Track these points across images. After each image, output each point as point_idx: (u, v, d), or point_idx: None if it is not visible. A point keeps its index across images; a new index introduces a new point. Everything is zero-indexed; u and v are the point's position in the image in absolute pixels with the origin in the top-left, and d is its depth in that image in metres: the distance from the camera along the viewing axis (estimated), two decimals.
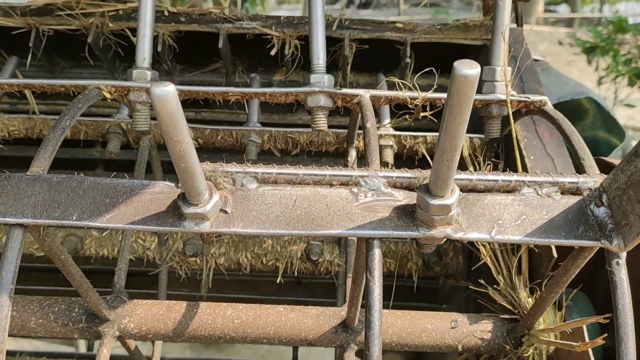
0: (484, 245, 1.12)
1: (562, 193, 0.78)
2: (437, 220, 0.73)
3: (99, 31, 1.41)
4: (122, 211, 0.75)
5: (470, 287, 1.29)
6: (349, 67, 1.48)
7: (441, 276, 1.51)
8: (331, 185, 0.78)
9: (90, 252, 1.49)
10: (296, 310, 1.09)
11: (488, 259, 1.08)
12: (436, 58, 1.55)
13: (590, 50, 5.65)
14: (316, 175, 0.78)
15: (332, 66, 1.46)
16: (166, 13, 1.46)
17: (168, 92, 0.58)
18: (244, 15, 1.47)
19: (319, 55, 1.03)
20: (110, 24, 1.42)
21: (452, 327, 1.08)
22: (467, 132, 0.70)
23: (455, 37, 1.48)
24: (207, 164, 0.77)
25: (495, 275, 1.09)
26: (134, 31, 1.43)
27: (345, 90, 1.00)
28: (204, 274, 1.49)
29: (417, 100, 1.00)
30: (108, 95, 0.99)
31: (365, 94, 0.99)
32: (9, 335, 0.97)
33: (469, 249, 1.47)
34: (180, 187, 0.76)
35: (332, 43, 1.46)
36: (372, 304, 0.72)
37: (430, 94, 1.00)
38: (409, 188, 0.78)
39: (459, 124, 0.62)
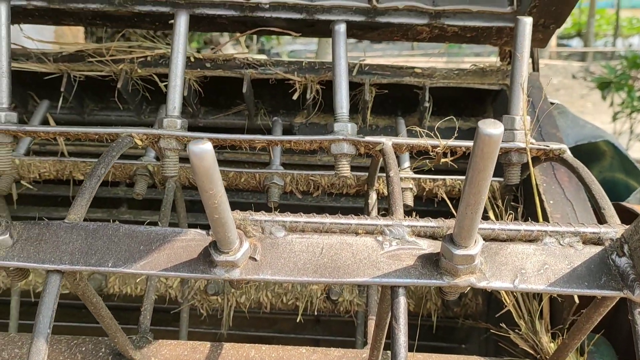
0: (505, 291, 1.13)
1: (584, 243, 0.80)
2: (461, 269, 0.75)
3: (127, 76, 1.46)
4: (155, 258, 0.77)
5: (490, 329, 1.30)
6: (369, 110, 1.52)
7: (460, 317, 1.51)
8: (357, 233, 0.80)
9: (114, 290, 1.52)
10: (318, 352, 1.10)
11: (509, 302, 1.09)
12: (453, 100, 1.58)
13: (604, 86, 5.67)
14: (342, 224, 0.81)
15: (352, 109, 1.49)
16: (192, 59, 1.52)
17: (205, 150, 0.61)
18: (267, 60, 1.52)
19: (343, 104, 1.06)
20: (139, 70, 1.48)
21: None
22: None
23: (473, 81, 1.51)
24: (237, 213, 0.80)
25: (516, 320, 1.10)
26: (161, 76, 1.48)
27: (368, 139, 1.04)
28: (224, 312, 1.51)
29: (438, 148, 1.02)
30: (139, 143, 1.03)
31: (387, 142, 1.03)
32: None
33: (489, 292, 1.48)
34: (211, 234, 0.78)
35: (352, 87, 1.50)
36: (398, 351, 0.73)
37: (451, 142, 1.03)
38: (432, 237, 0.80)
39: (483, 179, 0.65)
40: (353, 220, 0.81)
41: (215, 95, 1.62)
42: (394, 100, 1.58)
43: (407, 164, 1.36)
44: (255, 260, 0.77)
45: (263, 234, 0.80)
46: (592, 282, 0.76)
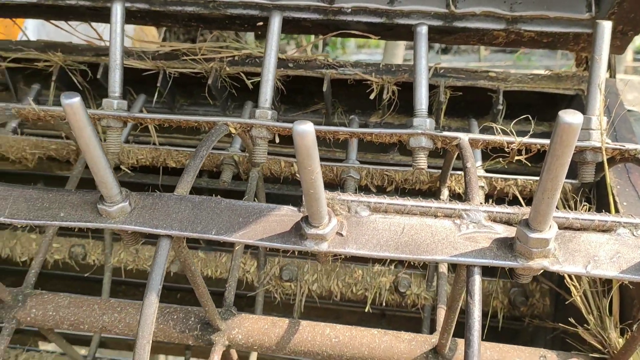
0: (574, 286, 1.16)
1: None
2: (535, 252, 0.80)
3: (217, 74, 1.58)
4: (252, 229, 0.86)
5: (557, 327, 1.32)
6: (443, 112, 1.57)
7: (527, 316, 1.53)
8: (436, 216, 0.87)
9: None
10: (389, 335, 1.16)
11: (578, 298, 1.12)
12: (526, 104, 1.62)
13: None
14: (423, 206, 0.87)
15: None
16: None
17: (307, 129, 0.69)
18: (346, 62, 1.61)
19: (422, 101, 1.13)
20: (227, 68, 1.59)
21: None
22: None
23: (547, 86, 1.54)
24: (327, 193, 0.88)
25: (585, 315, 1.12)
26: (247, 74, 1.59)
27: (445, 133, 1.10)
28: (297, 298, 1.59)
29: (514, 144, 1.07)
30: (233, 131, 1.13)
31: (464, 137, 1.08)
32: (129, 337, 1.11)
33: (556, 291, 1.49)
34: (302, 211, 0.87)
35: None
36: (472, 324, 0.79)
37: (526, 139, 1.07)
38: (508, 222, 0.86)
39: (561, 166, 0.70)
40: (433, 204, 0.87)
41: (295, 94, 1.71)
42: (467, 103, 1.62)
43: (479, 162, 1.41)
44: (342, 235, 0.85)
45: (349, 212, 0.87)
46: None
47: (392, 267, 1.58)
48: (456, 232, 0.84)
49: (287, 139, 1.03)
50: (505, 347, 1.14)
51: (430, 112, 1.62)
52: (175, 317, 1.21)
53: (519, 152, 1.10)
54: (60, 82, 1.64)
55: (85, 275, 1.69)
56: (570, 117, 0.66)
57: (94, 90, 1.73)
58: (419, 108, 1.12)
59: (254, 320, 1.20)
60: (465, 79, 1.56)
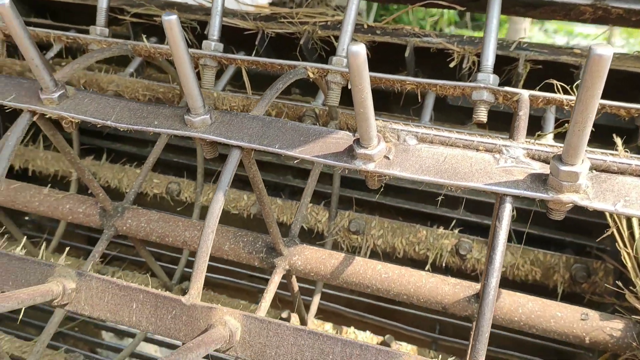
0: (627, 253, 1.17)
1: None
2: (566, 186, 0.85)
3: (309, 36, 1.71)
4: (311, 147, 0.98)
5: (615, 303, 1.33)
6: (521, 84, 1.60)
7: (587, 293, 1.53)
8: (477, 150, 0.94)
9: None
10: (436, 277, 1.23)
11: (628, 261, 1.13)
12: (608, 84, 1.60)
13: None
14: (466, 139, 0.94)
15: (505, 84, 1.60)
16: (365, 26, 1.73)
17: (359, 50, 0.79)
18: (431, 32, 1.68)
19: (489, 57, 1.19)
20: (319, 32, 1.72)
21: (582, 319, 1.15)
22: None
23: (634, 65, 1.53)
24: (380, 121, 0.97)
25: (633, 279, 1.13)
26: (337, 38, 1.71)
27: (506, 88, 1.15)
28: (362, 251, 1.69)
29: (573, 102, 1.10)
30: (311, 75, 1.25)
31: (525, 93, 1.13)
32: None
33: (620, 271, 1.48)
34: (355, 135, 0.97)
35: (508, 62, 1.60)
36: (496, 244, 0.86)
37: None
38: (545, 161, 0.91)
39: (591, 97, 0.75)
40: (476, 138, 0.94)
41: (380, 63, 1.81)
42: (546, 78, 1.64)
43: (550, 129, 1.43)
44: (389, 159, 0.94)
45: (398, 140, 0.97)
46: None
47: (456, 231, 1.64)
48: (494, 164, 0.91)
49: None
50: (547, 302, 1.18)
51: (509, 85, 1.66)
52: (245, 239, 1.35)
53: None
54: None
55: (178, 209, 1.89)
56: (601, 49, 0.71)
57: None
58: (485, 64, 1.18)
59: (314, 250, 1.32)
60: (548, 54, 1.58)
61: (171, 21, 0.89)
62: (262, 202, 1.17)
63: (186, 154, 2.06)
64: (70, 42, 1.42)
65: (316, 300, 1.67)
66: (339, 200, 1.76)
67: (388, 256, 1.72)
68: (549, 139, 1.40)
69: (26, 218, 2.29)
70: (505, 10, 1.59)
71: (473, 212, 1.79)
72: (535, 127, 1.44)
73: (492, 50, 1.19)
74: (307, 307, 1.59)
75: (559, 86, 1.13)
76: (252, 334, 0.90)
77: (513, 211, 0.94)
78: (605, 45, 0.72)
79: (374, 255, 1.71)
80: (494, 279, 0.84)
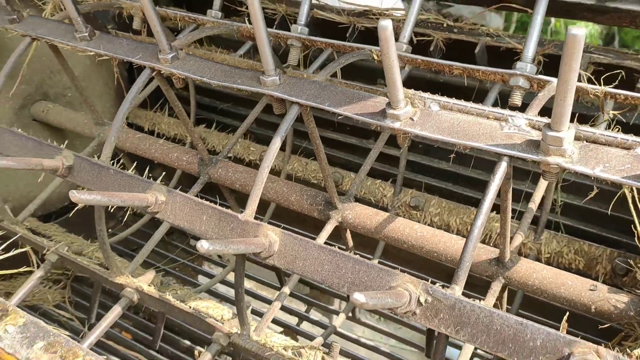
0: None
1: None
2: (552, 149, 0.99)
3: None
4: (353, 107, 1.20)
5: None
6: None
7: (627, 286, 1.59)
8: (487, 117, 1.11)
9: (346, 189, 2.01)
10: (463, 240, 1.40)
11: None
12: None
13: None
14: (479, 109, 1.12)
15: None
16: (445, 25, 1.91)
17: (387, 24, 1.01)
18: (504, 33, 1.82)
19: (529, 50, 1.34)
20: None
21: (590, 289, 1.26)
22: None
23: None
24: (410, 90, 1.17)
25: None
26: (416, 34, 1.91)
27: (540, 76, 1.30)
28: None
29: (597, 91, 1.23)
30: (375, 57, 1.48)
31: (554, 81, 1.27)
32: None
33: None
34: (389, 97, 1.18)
35: None
36: (487, 193, 1.03)
37: (610, 88, 1.22)
38: None
39: (570, 71, 0.90)
40: (487, 108, 1.11)
41: (453, 58, 1.98)
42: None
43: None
44: (413, 120, 1.14)
45: (424, 106, 1.16)
46: None
47: None
48: (499, 130, 1.08)
49: None
50: (560, 271, 1.30)
51: None
52: (308, 194, 1.60)
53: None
54: (279, 27, 2.15)
55: None
56: (575, 30, 0.87)
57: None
58: (525, 55, 1.33)
59: (364, 208, 1.54)
60: (612, 57, 1.66)
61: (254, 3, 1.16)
62: (319, 156, 1.41)
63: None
64: (190, 22, 1.76)
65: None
66: (410, 185, 1.96)
67: None
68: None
69: None
70: (574, 15, 1.70)
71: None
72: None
73: (533, 44, 1.34)
74: None
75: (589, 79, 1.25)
76: (287, 247, 1.14)
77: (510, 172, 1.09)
78: (579, 27, 0.87)
79: None
80: (480, 221, 1.01)
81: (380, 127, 1.17)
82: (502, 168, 1.04)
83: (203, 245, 0.98)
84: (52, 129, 2.23)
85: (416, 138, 1.16)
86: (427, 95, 1.17)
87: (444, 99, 1.15)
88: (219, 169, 1.73)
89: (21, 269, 1.70)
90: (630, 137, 1.00)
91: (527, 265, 1.32)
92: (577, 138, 1.02)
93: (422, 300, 0.96)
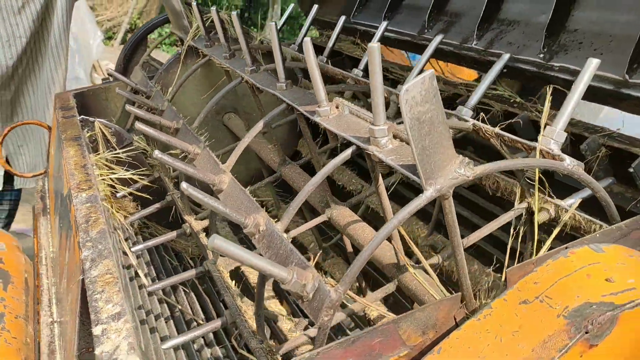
0: None
1: None
2: (372, 140, 1.27)
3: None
4: (308, 106, 1.63)
5: None
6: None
7: None
8: (366, 120, 1.42)
9: None
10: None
11: None
12: None
13: None
14: (365, 114, 1.44)
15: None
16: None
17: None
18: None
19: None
20: None
21: None
22: None
23: None
24: (339, 98, 1.55)
25: None
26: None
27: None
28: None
29: (489, 131, 1.40)
30: None
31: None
32: None
33: None
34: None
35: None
36: (325, 166, 1.35)
37: (499, 130, 1.38)
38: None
39: (375, 74, 1.22)
40: (369, 115, 1.43)
41: None
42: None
43: None
44: (328, 118, 1.52)
45: (342, 110, 1.53)
46: None
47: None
48: (366, 127, 1.38)
49: None
50: None
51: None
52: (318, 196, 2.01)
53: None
54: None
55: None
56: (373, 44, 1.20)
57: None
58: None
59: (345, 210, 1.88)
60: (627, 144, 1.67)
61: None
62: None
63: None
64: (344, 78, 2.38)
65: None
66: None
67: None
68: None
69: None
70: (600, 99, 1.77)
71: None
72: None
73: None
74: None
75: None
76: None
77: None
78: (376, 42, 1.21)
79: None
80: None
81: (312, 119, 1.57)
82: (349, 151, 1.36)
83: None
84: (232, 133, 3.04)
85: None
86: (345, 101, 1.53)
87: (353, 106, 1.50)
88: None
89: None
90: None
91: None
92: (395, 136, 1.29)
93: None
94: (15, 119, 3.29)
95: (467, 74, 3.31)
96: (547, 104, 1.31)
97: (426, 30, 2.44)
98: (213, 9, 2.29)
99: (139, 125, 1.72)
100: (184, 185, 1.29)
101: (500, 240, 2.13)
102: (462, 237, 1.24)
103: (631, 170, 1.58)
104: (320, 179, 1.35)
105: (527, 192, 1.46)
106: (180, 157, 1.85)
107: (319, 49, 2.03)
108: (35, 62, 3.30)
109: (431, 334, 1.12)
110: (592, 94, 1.78)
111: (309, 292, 1.12)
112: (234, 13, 2.08)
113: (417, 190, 1.24)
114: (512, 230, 1.40)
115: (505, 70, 2.06)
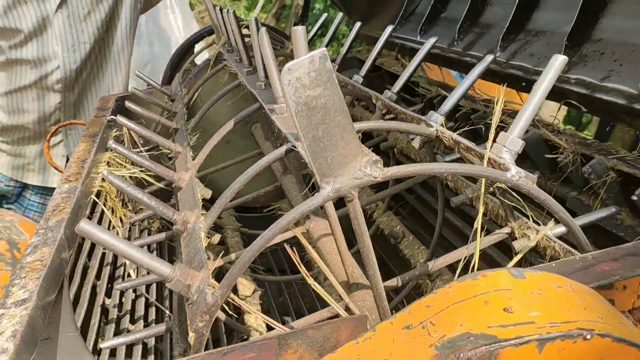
0: None
1: None
2: None
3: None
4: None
5: None
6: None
7: None
8: None
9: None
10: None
11: None
12: None
13: None
14: None
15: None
16: None
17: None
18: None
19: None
20: None
21: None
22: None
23: None
24: None
25: None
26: None
27: None
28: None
29: (447, 137, 1.24)
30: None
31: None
32: None
33: None
34: None
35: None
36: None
37: (458, 137, 1.22)
38: None
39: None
40: None
41: None
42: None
43: None
44: (284, 115, 1.43)
45: None
46: None
47: None
48: None
49: None
50: None
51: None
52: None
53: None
54: None
55: None
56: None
57: None
58: None
59: (321, 222, 1.76)
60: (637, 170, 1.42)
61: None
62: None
63: None
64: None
65: None
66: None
67: None
68: None
69: None
70: (615, 117, 1.53)
71: None
72: None
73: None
74: None
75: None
76: None
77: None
78: (301, 27, 1.12)
79: None
80: None
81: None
82: (282, 150, 1.26)
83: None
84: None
85: None
86: None
87: None
88: None
89: None
90: None
91: None
92: None
93: None
94: (78, 120, 3.48)
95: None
96: (499, 107, 1.13)
97: (455, 43, 2.27)
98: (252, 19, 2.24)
99: (119, 117, 1.72)
100: (104, 172, 1.25)
101: None
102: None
103: (634, 198, 1.34)
104: (247, 178, 1.26)
105: (510, 215, 1.28)
106: (169, 155, 1.85)
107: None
108: (99, 68, 3.49)
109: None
110: (605, 110, 1.55)
111: (193, 294, 1.02)
112: (252, 19, 2.03)
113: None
114: None
115: (524, 84, 1.88)
